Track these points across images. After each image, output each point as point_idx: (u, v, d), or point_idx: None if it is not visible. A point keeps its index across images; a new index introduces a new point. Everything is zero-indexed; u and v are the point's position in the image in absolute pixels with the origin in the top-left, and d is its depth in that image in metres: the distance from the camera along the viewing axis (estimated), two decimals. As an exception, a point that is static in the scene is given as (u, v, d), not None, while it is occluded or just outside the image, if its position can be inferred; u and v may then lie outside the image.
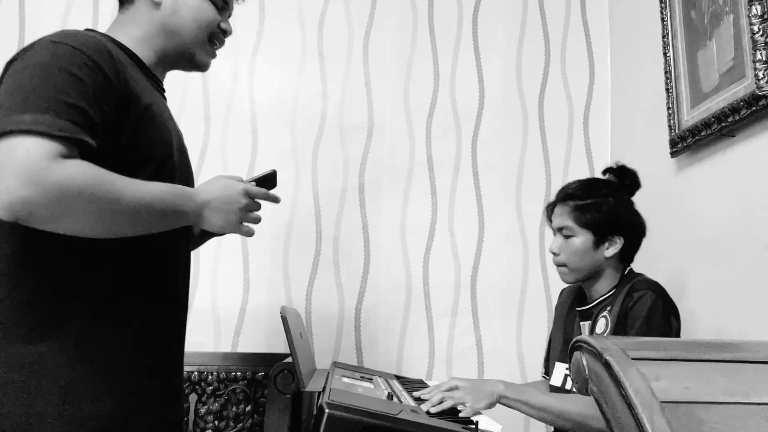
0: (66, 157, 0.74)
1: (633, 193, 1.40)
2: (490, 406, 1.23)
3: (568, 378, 1.36)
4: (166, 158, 0.95)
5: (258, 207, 1.03)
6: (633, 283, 1.26)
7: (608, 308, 1.29)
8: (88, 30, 0.95)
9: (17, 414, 0.79)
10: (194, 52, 1.06)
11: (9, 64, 0.82)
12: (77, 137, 0.75)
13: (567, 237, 1.33)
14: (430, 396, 1.23)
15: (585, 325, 1.36)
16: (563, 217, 1.34)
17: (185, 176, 1.05)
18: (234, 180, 1.00)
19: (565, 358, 1.39)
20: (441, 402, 1.20)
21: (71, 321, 0.84)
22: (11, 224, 0.75)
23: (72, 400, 0.81)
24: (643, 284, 1.24)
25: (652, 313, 1.18)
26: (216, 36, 1.09)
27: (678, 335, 1.24)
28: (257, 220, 1.03)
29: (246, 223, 1.02)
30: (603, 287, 1.34)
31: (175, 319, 1.01)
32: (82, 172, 0.74)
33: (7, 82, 0.79)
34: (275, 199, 1.06)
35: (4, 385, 0.80)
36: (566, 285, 1.49)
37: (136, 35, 1.00)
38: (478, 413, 1.21)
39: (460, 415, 1.19)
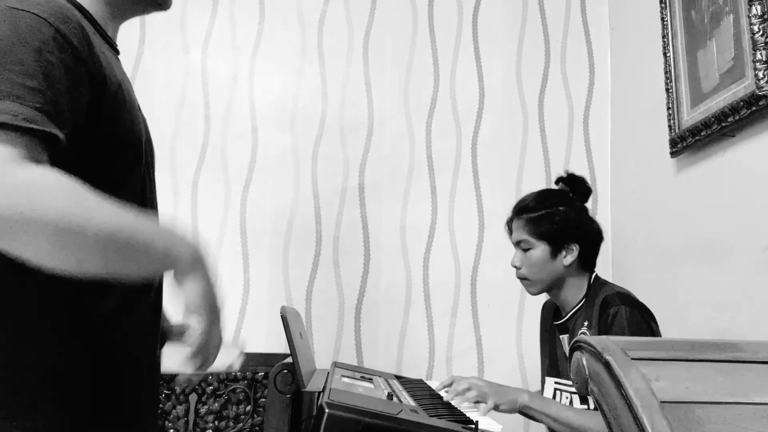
0: (30, 157, 0.60)
1: (586, 200, 1.42)
2: (511, 411, 1.24)
3: (558, 392, 1.37)
4: (138, 147, 0.82)
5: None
6: (604, 298, 1.27)
7: (585, 323, 1.30)
8: None
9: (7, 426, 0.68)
10: None
11: None
12: (44, 129, 0.62)
13: (525, 250, 1.36)
14: (457, 385, 1.25)
15: (564, 339, 1.38)
16: (519, 231, 1.37)
17: (152, 163, 0.91)
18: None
19: (552, 372, 1.41)
20: (467, 390, 1.22)
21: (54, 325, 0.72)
22: None
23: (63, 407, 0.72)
24: (615, 299, 1.25)
25: (634, 326, 1.19)
26: None
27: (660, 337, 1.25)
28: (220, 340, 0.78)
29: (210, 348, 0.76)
30: (572, 297, 1.36)
31: (153, 319, 0.89)
32: (46, 182, 0.59)
33: None
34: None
35: None
36: (546, 299, 1.51)
37: None
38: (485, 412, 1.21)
39: (479, 410, 1.19)
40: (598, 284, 1.35)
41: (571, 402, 1.31)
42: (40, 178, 0.59)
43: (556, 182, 1.46)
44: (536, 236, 1.34)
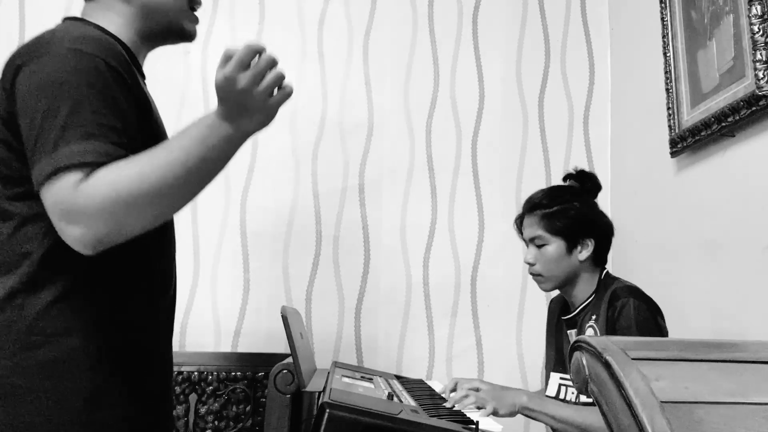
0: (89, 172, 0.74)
1: (596, 196, 1.43)
2: (511, 414, 1.25)
3: (563, 388, 1.37)
4: None
5: (263, 71, 0.81)
6: (613, 291, 1.27)
7: (593, 317, 1.30)
8: (78, 20, 0.94)
9: (39, 422, 0.79)
10: (181, 22, 1.01)
11: (20, 68, 0.79)
12: (118, 156, 0.76)
13: (540, 246, 1.35)
14: (456, 394, 1.26)
15: (572, 334, 1.38)
16: (533, 227, 1.36)
17: None
18: (229, 70, 0.80)
19: (558, 368, 1.40)
20: (465, 397, 1.23)
21: (87, 326, 0.84)
22: (44, 231, 0.79)
23: (94, 407, 0.82)
24: (624, 291, 1.25)
25: (641, 319, 1.20)
26: (194, 1, 1.03)
27: (667, 332, 1.25)
28: (279, 79, 0.82)
29: (274, 94, 0.83)
30: (582, 292, 1.36)
31: (170, 319, 1.03)
32: (109, 178, 0.74)
33: (34, 101, 0.76)
34: (261, 48, 0.82)
35: (25, 393, 0.79)
36: (554, 295, 1.51)
37: (119, 21, 0.95)
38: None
39: (479, 415, 1.20)
40: (608, 279, 1.35)
41: (577, 397, 1.31)
42: (114, 174, 0.74)
43: (564, 179, 1.46)
44: (551, 232, 1.33)
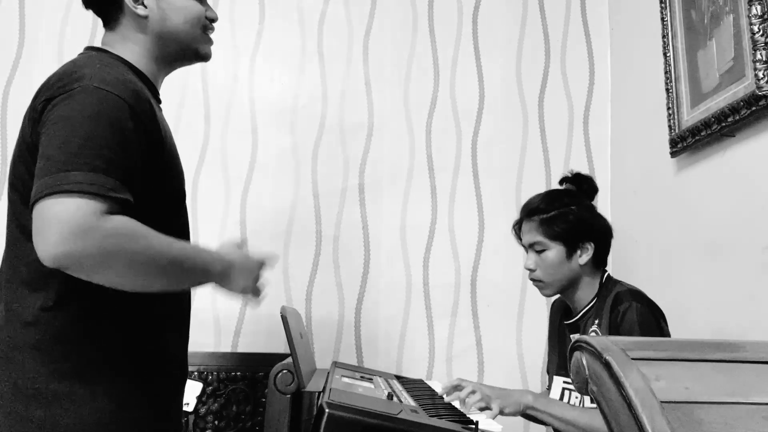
0: (111, 213, 0.79)
1: (593, 198, 1.42)
2: (516, 414, 1.25)
3: (566, 392, 1.37)
4: (183, 195, 1.05)
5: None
6: (616, 295, 1.27)
7: (596, 321, 1.29)
8: (100, 51, 1.00)
9: (74, 424, 0.86)
10: (196, 47, 1.08)
11: (48, 102, 0.85)
12: (123, 197, 0.81)
13: (539, 252, 1.34)
14: (463, 392, 1.26)
15: (575, 338, 1.36)
16: (532, 233, 1.35)
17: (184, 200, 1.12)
18: (250, 256, 1.06)
19: (561, 372, 1.40)
20: (472, 393, 1.24)
21: (115, 334, 0.92)
22: None
23: (123, 408, 0.90)
24: (627, 295, 1.25)
25: (644, 323, 1.19)
26: (207, 27, 1.10)
27: (669, 335, 1.25)
28: (262, 288, 1.09)
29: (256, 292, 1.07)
30: (584, 296, 1.35)
31: (188, 322, 1.10)
32: (125, 229, 0.80)
33: (54, 129, 0.82)
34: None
35: (63, 398, 0.86)
36: (555, 298, 1.50)
37: (137, 50, 1.02)
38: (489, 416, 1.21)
39: (486, 415, 1.19)
40: (610, 283, 1.34)
41: (581, 402, 1.31)
42: (121, 225, 0.80)
43: (561, 182, 1.45)
44: (551, 237, 1.32)
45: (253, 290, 1.05)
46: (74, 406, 0.86)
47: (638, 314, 1.20)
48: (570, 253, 1.32)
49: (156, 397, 0.97)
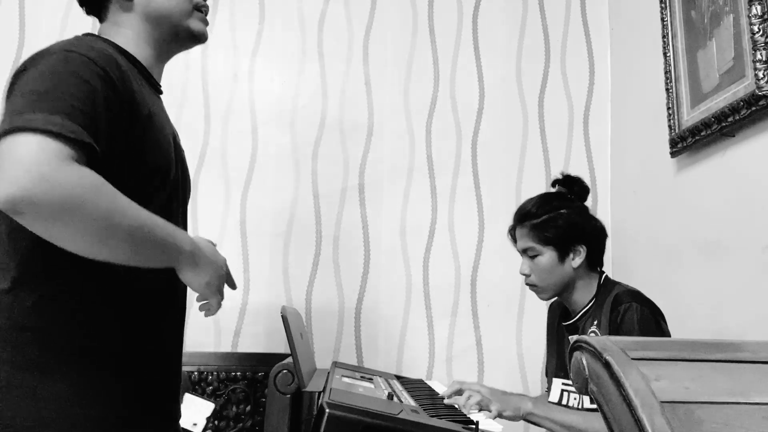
0: (77, 159, 0.72)
1: (584, 199, 1.42)
2: (515, 418, 1.24)
3: (565, 393, 1.37)
4: (166, 173, 0.95)
5: (229, 284, 1.02)
6: (615, 296, 1.27)
7: (595, 322, 1.29)
8: (91, 35, 0.96)
9: (26, 417, 0.79)
10: (188, 24, 1.04)
11: (19, 74, 0.82)
12: (86, 141, 0.74)
13: (533, 257, 1.35)
14: (463, 398, 1.25)
15: (575, 338, 1.36)
16: (524, 238, 1.36)
17: (184, 189, 1.05)
18: (216, 250, 0.98)
19: (560, 374, 1.40)
20: (470, 397, 1.23)
21: (77, 324, 0.84)
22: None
23: (87, 405, 0.82)
24: (627, 296, 1.25)
25: (644, 323, 1.19)
26: (198, 5, 1.07)
27: (670, 336, 1.25)
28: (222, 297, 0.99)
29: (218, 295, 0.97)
30: (581, 298, 1.35)
31: (179, 319, 1.02)
32: (90, 180, 0.72)
33: (19, 86, 0.79)
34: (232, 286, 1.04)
35: (12, 389, 0.80)
36: (553, 299, 1.50)
37: (129, 35, 0.99)
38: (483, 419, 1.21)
39: (485, 417, 1.19)
40: (608, 284, 1.34)
41: (581, 403, 1.31)
42: (88, 175, 0.72)
43: (553, 185, 1.46)
44: (542, 242, 1.33)
45: (217, 291, 0.94)
46: (33, 399, 0.79)
47: (638, 314, 1.20)
48: (562, 256, 1.33)
49: (131, 397, 0.88)
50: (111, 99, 0.81)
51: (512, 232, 1.42)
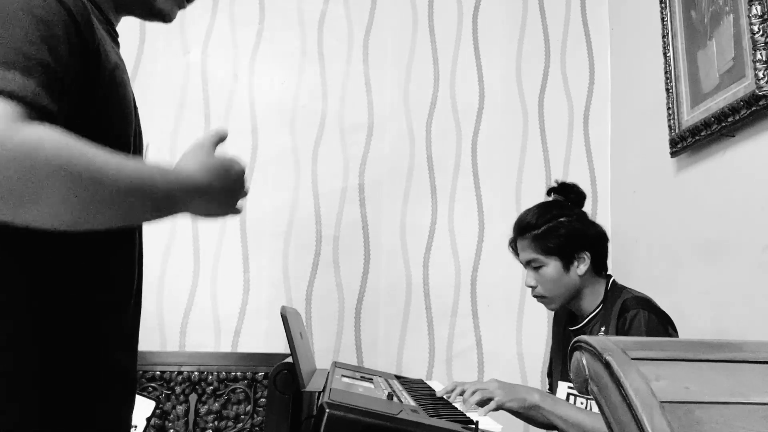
0: (31, 117, 0.59)
1: (582, 205, 1.41)
2: (519, 409, 1.22)
3: (571, 397, 1.37)
4: (126, 134, 0.81)
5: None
6: (623, 302, 1.26)
7: (602, 328, 1.29)
8: None
9: None
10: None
11: None
12: (44, 104, 0.61)
13: (537, 268, 1.34)
14: (466, 393, 1.25)
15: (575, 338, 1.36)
16: (527, 251, 1.35)
17: (141, 152, 0.91)
18: (232, 162, 0.82)
19: (567, 377, 1.39)
20: (474, 393, 1.22)
21: (25, 342, 0.70)
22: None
23: (26, 427, 0.70)
24: (634, 302, 1.24)
25: (652, 330, 1.19)
26: None
27: None
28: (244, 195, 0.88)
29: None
30: (589, 304, 1.35)
31: (133, 331, 0.89)
32: (54, 137, 0.58)
33: None
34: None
35: None
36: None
37: None
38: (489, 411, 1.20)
39: (486, 407, 1.18)
40: (616, 289, 1.34)
41: (588, 407, 1.30)
42: (45, 134, 0.58)
43: (548, 193, 1.45)
44: (545, 253, 1.32)
45: (227, 211, 0.83)
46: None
47: (646, 321, 1.19)
48: (567, 265, 1.32)
49: (83, 415, 0.75)
50: (74, 42, 0.67)
51: (513, 244, 1.41)
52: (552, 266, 1.32)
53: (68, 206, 0.59)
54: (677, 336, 1.24)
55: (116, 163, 0.63)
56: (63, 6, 0.66)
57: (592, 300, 1.34)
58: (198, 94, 2.02)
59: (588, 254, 1.32)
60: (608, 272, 1.39)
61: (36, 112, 0.60)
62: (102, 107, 0.73)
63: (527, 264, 1.36)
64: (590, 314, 1.34)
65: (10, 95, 0.58)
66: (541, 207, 1.39)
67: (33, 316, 0.71)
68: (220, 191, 0.79)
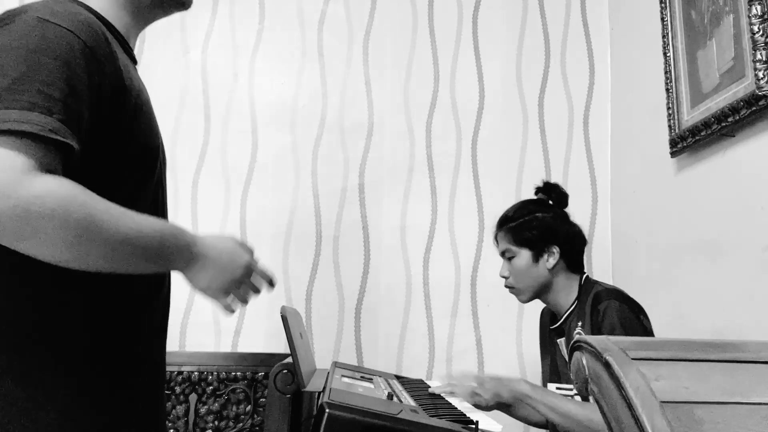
0: (46, 165, 0.64)
1: (565, 205, 1.46)
2: (508, 403, 1.23)
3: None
4: (155, 157, 0.86)
5: (253, 288, 0.93)
6: (595, 294, 1.29)
7: (579, 323, 1.31)
8: None
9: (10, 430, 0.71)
10: None
11: None
12: (64, 141, 0.65)
13: (510, 258, 1.41)
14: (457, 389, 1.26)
15: (561, 342, 1.40)
16: (503, 241, 1.42)
17: (164, 171, 0.95)
18: (243, 249, 0.88)
19: (554, 378, 1.42)
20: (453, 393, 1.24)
21: (61, 332, 0.75)
22: None
23: (68, 417, 0.74)
24: (605, 294, 1.28)
25: (624, 320, 1.21)
26: None
27: (652, 330, 1.26)
28: (245, 300, 0.93)
29: (232, 298, 0.90)
30: (564, 300, 1.38)
31: (163, 321, 0.96)
32: (60, 190, 0.63)
33: None
34: (272, 282, 0.97)
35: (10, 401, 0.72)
36: (544, 306, 1.52)
37: None
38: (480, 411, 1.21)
39: (473, 406, 1.20)
40: (588, 284, 1.37)
41: None
42: (55, 187, 0.62)
43: (535, 193, 1.50)
44: (517, 244, 1.38)
45: (223, 295, 0.86)
46: (11, 412, 0.70)
47: (617, 311, 1.22)
48: (536, 257, 1.37)
49: (124, 403, 0.80)
50: (98, 82, 0.71)
51: (495, 237, 1.47)
52: (522, 257, 1.38)
53: (61, 250, 0.64)
54: (649, 322, 1.26)
55: (116, 220, 0.67)
56: (88, 48, 0.70)
57: (567, 296, 1.38)
58: (198, 94, 2.02)
59: (557, 249, 1.37)
60: (584, 271, 1.42)
61: (54, 149, 0.64)
62: (128, 137, 0.78)
63: (502, 255, 1.43)
64: (567, 311, 1.37)
65: (31, 136, 0.62)
66: (522, 203, 1.47)
67: (84, 308, 0.76)
68: (217, 267, 0.82)
